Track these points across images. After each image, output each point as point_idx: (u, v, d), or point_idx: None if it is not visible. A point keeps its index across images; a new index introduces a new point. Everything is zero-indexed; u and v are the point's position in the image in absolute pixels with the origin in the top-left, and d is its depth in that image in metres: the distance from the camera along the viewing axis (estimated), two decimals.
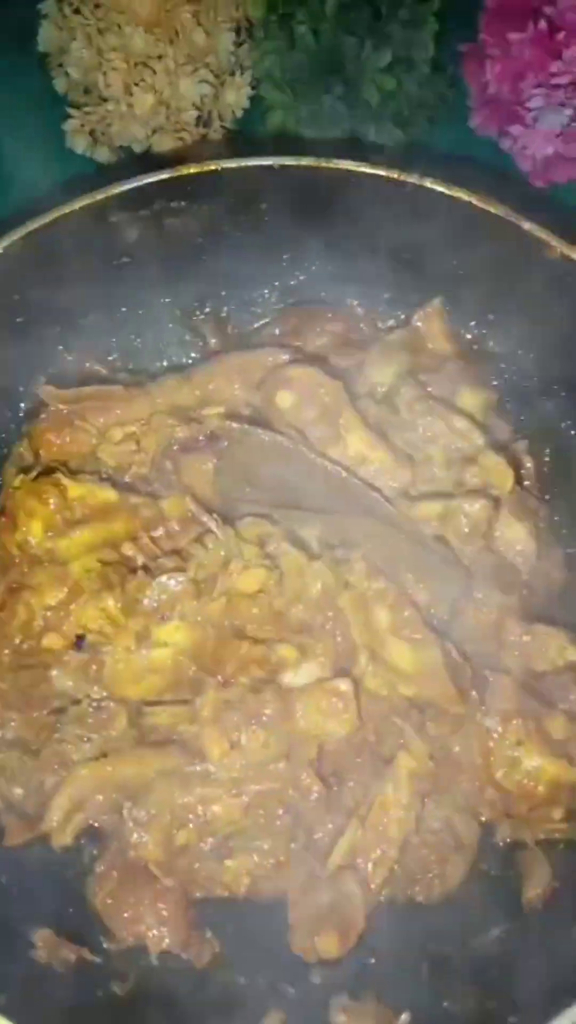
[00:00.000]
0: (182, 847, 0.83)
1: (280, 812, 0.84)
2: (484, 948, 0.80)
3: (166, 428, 0.97)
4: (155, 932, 0.82)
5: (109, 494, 0.94)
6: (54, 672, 0.88)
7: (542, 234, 0.93)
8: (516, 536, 0.96)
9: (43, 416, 1.00)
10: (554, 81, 1.27)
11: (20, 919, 0.79)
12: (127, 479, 0.98)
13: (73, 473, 0.95)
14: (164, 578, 0.86)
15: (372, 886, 0.82)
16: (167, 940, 0.82)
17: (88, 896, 0.85)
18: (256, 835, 0.84)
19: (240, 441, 0.94)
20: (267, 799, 0.84)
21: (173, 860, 0.84)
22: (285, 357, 1.00)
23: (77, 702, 0.88)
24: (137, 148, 1.43)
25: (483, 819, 0.88)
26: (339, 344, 1.09)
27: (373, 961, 0.82)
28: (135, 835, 0.83)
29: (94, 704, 0.87)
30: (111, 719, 0.87)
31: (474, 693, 0.87)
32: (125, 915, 0.83)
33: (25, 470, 0.96)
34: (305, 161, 0.98)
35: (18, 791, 0.86)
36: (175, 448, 0.99)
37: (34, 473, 0.94)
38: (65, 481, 0.92)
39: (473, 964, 0.79)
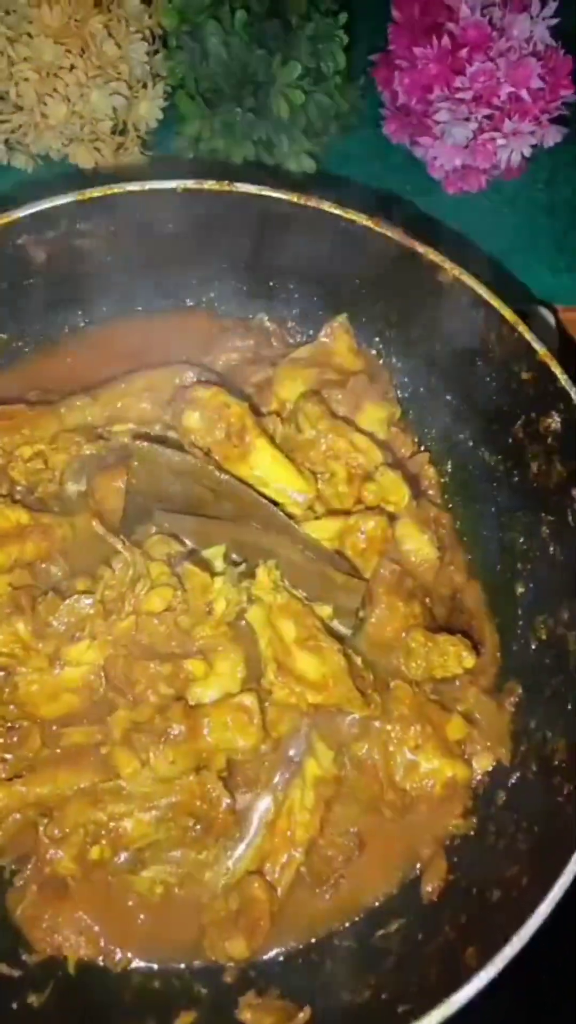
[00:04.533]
0: (97, 861, 0.86)
1: (191, 823, 0.87)
2: (384, 941, 0.85)
3: (74, 446, 0.99)
4: (72, 942, 0.85)
5: (20, 515, 0.96)
6: None
7: (435, 257, 0.97)
8: (418, 546, 1.00)
9: None
10: (458, 96, 1.31)
11: None
12: (38, 495, 0.99)
13: None
14: (73, 599, 0.89)
15: (279, 889, 0.86)
16: (84, 949, 0.85)
17: (8, 909, 0.87)
18: (168, 846, 0.87)
19: (148, 460, 0.96)
20: (178, 811, 0.87)
21: (89, 873, 0.87)
22: (191, 375, 1.02)
23: None
24: (55, 157, 1.43)
25: (386, 820, 0.93)
26: (249, 360, 1.11)
27: (281, 959, 0.86)
28: (51, 851, 0.86)
29: (8, 725, 0.90)
30: (25, 739, 0.89)
31: (376, 696, 0.92)
32: (44, 926, 0.86)
33: None
34: (207, 185, 1.00)
35: None
36: (87, 466, 1.01)
37: None
38: None
39: (372, 956, 0.84)
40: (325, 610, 0.94)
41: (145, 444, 0.96)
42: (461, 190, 1.47)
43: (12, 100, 1.37)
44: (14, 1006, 0.79)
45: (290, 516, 0.95)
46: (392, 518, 0.95)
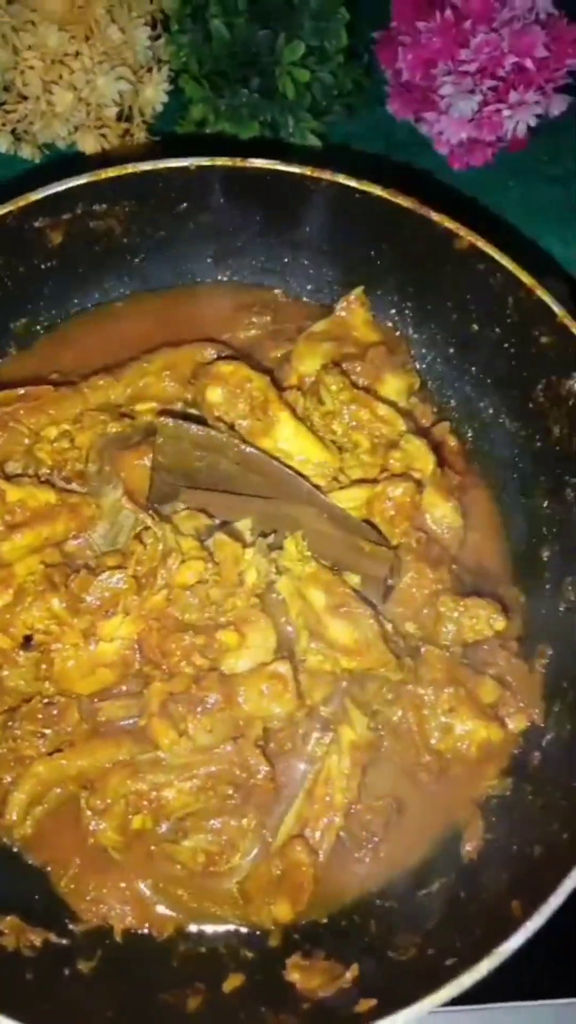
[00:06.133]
0: (138, 831, 0.87)
1: (230, 791, 0.88)
2: (426, 900, 0.86)
3: (99, 425, 0.99)
4: (117, 911, 0.86)
5: (48, 495, 0.96)
6: (4, 672, 0.91)
7: (450, 224, 0.97)
8: (442, 514, 1.00)
9: None
10: (463, 68, 1.31)
11: None
12: (65, 475, 1.00)
13: (10, 477, 0.97)
14: (106, 575, 0.89)
15: (320, 853, 0.87)
16: (129, 918, 0.87)
17: (52, 882, 0.88)
18: (209, 815, 0.88)
19: (174, 436, 0.97)
20: (217, 780, 0.88)
21: (131, 844, 0.88)
22: (212, 352, 1.03)
23: (29, 700, 0.91)
24: (61, 145, 1.43)
25: (423, 783, 0.94)
26: (267, 336, 1.12)
27: (325, 921, 0.87)
28: (93, 823, 0.87)
29: (45, 701, 0.91)
30: (63, 714, 0.90)
31: (409, 660, 0.92)
32: (88, 898, 0.87)
33: None
34: (220, 162, 1.00)
35: None
36: (111, 444, 1.02)
37: None
38: (3, 485, 0.94)
39: (415, 915, 0.84)
40: (353, 579, 0.94)
41: (170, 420, 0.96)
42: (467, 165, 1.47)
43: (17, 90, 1.38)
44: (66, 972, 0.80)
45: (316, 487, 0.96)
46: (419, 485, 0.96)
